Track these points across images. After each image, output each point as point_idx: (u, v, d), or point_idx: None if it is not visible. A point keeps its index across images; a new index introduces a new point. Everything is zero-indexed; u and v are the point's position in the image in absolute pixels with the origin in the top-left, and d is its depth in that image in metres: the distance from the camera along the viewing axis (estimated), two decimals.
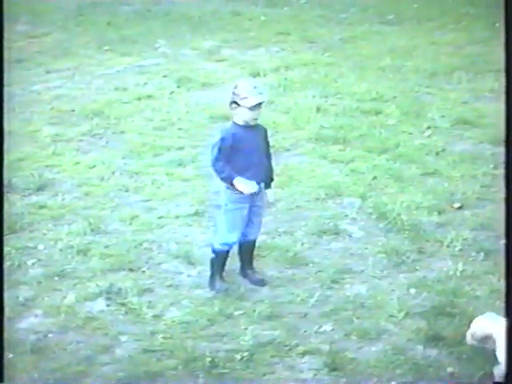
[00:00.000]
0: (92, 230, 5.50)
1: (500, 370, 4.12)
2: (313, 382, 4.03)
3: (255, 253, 5.20)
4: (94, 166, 6.58)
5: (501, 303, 4.61)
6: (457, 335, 4.31)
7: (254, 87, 4.63)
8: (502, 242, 5.33)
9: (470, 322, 4.40)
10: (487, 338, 4.05)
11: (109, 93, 8.28)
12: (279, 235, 5.36)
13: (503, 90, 8.34)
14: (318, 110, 7.64)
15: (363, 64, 9.01)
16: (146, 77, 8.71)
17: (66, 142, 7.06)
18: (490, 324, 4.09)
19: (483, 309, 4.53)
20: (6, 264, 4.96)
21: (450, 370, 4.08)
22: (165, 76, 8.79)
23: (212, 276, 4.84)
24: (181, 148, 6.92)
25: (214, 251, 4.84)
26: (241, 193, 4.63)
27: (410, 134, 7.12)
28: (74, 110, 7.76)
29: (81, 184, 6.27)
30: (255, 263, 5.08)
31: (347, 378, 4.05)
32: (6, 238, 5.01)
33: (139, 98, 8.07)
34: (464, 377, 4.02)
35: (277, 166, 6.53)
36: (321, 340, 4.34)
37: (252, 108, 4.59)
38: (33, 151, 6.85)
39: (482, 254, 5.14)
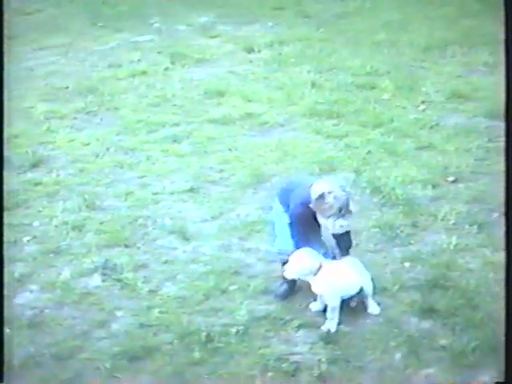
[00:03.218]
0: (87, 207, 5.52)
1: (315, 306, 4.33)
2: (308, 355, 4.07)
3: (250, 228, 5.23)
4: (89, 143, 6.58)
5: (494, 275, 4.66)
6: (450, 307, 4.35)
7: (340, 210, 4.20)
8: (496, 214, 5.36)
9: (464, 294, 4.45)
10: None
11: (103, 69, 8.25)
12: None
13: (499, 63, 8.36)
14: (313, 85, 7.62)
15: (357, 39, 8.97)
16: (140, 53, 8.67)
17: (60, 119, 7.04)
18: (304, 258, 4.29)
19: (477, 281, 4.57)
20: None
21: (442, 342, 4.12)
22: (159, 52, 8.75)
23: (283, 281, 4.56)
24: (176, 124, 6.91)
25: None
26: None
27: (404, 108, 7.11)
28: (67, 87, 7.74)
29: (75, 161, 6.27)
30: (250, 238, 5.11)
31: (342, 351, 4.08)
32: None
33: (133, 75, 8.04)
34: (457, 348, 4.05)
35: (271, 141, 6.61)
36: (316, 314, 4.37)
37: None
38: (27, 128, 6.84)
39: (476, 227, 5.16)
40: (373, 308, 4.34)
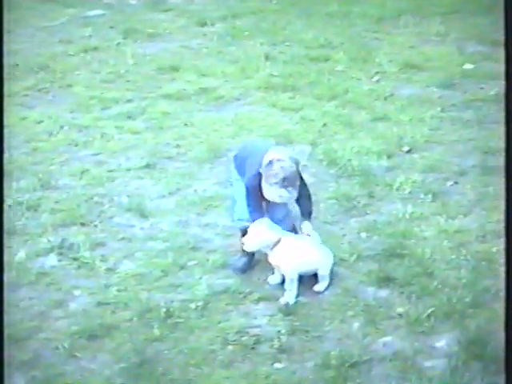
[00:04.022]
0: (41, 186, 5.44)
1: (273, 279, 4.37)
2: (268, 328, 4.09)
3: (208, 203, 5.22)
4: (42, 121, 6.48)
5: (448, 243, 4.73)
6: (407, 276, 4.41)
7: (283, 180, 4.17)
8: (450, 183, 5.44)
9: (420, 262, 4.51)
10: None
11: (53, 46, 8.11)
12: (231, 185, 5.34)
13: (450, 32, 8.40)
14: (267, 58, 7.60)
15: (311, 10, 8.96)
16: (91, 28, 8.53)
17: (11, 97, 6.91)
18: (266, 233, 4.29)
19: (432, 249, 4.64)
20: None
21: (399, 310, 4.18)
22: (111, 27, 8.63)
23: (242, 254, 4.53)
24: (129, 100, 6.84)
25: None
26: None
27: (359, 79, 7.14)
28: (17, 65, 7.59)
29: (28, 140, 6.17)
30: (208, 213, 5.11)
31: (301, 322, 4.12)
32: None
33: (85, 51, 7.92)
34: (414, 315, 4.11)
35: (227, 115, 6.58)
36: (274, 286, 4.39)
37: None
38: None
39: (431, 195, 5.22)
40: (318, 286, 4.35)
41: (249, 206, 4.39)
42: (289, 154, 4.38)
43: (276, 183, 4.19)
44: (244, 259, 4.52)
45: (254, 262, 4.54)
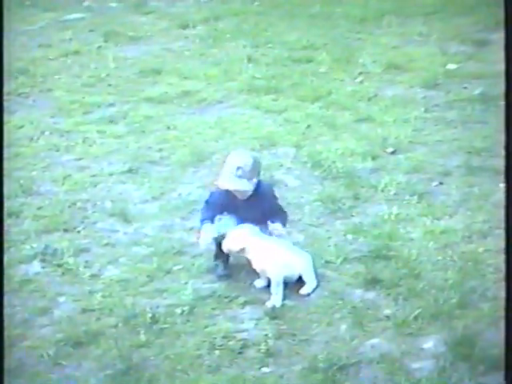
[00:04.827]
0: (23, 192, 5.39)
1: (259, 283, 4.37)
2: (254, 332, 4.07)
3: (193, 207, 5.18)
4: (22, 126, 6.41)
5: (434, 244, 4.72)
6: (393, 277, 4.39)
7: (237, 169, 4.22)
8: (434, 184, 5.44)
9: (406, 264, 4.50)
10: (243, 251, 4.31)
11: (33, 50, 8.04)
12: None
13: (433, 32, 8.42)
14: (250, 60, 7.58)
15: (293, 12, 8.95)
16: (71, 32, 8.47)
17: None
18: (244, 237, 4.28)
19: (418, 250, 4.63)
20: None
21: (386, 312, 4.17)
22: (91, 31, 8.57)
23: (215, 259, 4.53)
24: (111, 104, 6.79)
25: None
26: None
27: (342, 80, 7.13)
28: None
29: (9, 145, 6.09)
30: (192, 217, 5.07)
31: (288, 326, 4.09)
32: None
33: (66, 55, 7.87)
34: (401, 317, 4.10)
35: (210, 118, 6.55)
36: (260, 290, 4.36)
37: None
38: None
39: (416, 196, 5.22)
40: (304, 289, 4.32)
41: (202, 209, 4.48)
42: (253, 154, 4.50)
43: (231, 172, 4.24)
44: (220, 265, 4.49)
45: (239, 267, 4.50)
